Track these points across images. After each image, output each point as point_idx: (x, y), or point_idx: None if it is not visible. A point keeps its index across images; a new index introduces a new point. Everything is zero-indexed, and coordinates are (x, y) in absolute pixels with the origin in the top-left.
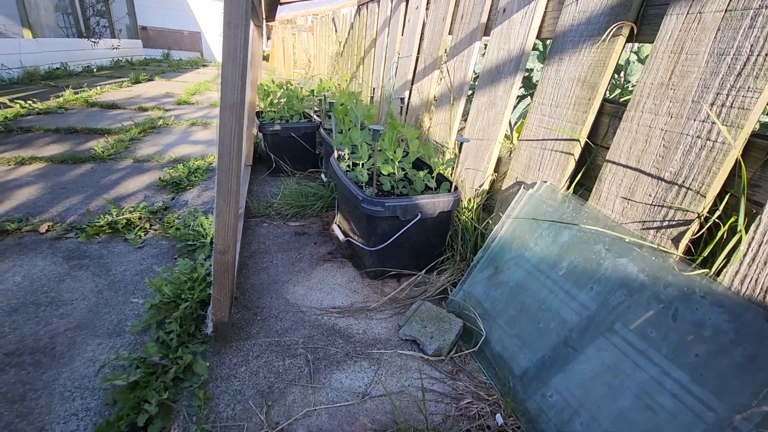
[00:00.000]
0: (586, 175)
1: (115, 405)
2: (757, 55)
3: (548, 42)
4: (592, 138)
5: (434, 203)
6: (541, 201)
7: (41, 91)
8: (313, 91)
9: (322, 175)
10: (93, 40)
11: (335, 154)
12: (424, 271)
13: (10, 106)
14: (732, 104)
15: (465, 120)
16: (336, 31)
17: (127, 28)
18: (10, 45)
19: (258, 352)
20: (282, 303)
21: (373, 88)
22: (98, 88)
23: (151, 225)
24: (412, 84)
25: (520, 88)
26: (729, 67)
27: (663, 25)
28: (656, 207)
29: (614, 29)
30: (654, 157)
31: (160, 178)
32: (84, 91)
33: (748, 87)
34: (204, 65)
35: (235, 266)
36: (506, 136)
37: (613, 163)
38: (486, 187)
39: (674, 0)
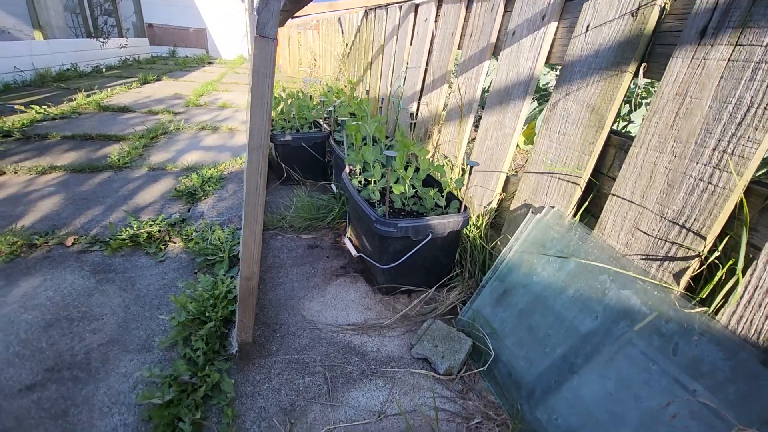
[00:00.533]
0: (593, 202)
1: (150, 421)
2: (757, 107)
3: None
4: (599, 167)
5: (444, 224)
6: (548, 227)
7: (54, 94)
8: (324, 101)
9: (333, 186)
10: (102, 39)
11: (347, 169)
12: (434, 288)
13: (26, 112)
14: (733, 152)
15: (475, 130)
16: (342, 33)
17: (134, 26)
18: (22, 47)
19: (279, 370)
20: (299, 319)
21: (382, 98)
22: (108, 90)
23: (170, 238)
24: (421, 96)
25: None
26: (731, 115)
27: (669, 67)
28: (659, 242)
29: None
30: (658, 194)
31: (175, 188)
32: (95, 93)
33: (748, 137)
34: (210, 62)
35: (257, 288)
36: None
37: (618, 196)
38: (494, 205)
39: (680, 43)
